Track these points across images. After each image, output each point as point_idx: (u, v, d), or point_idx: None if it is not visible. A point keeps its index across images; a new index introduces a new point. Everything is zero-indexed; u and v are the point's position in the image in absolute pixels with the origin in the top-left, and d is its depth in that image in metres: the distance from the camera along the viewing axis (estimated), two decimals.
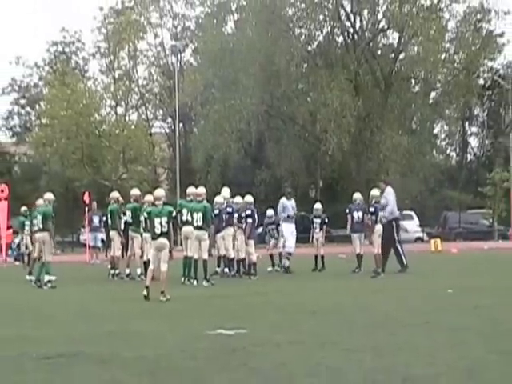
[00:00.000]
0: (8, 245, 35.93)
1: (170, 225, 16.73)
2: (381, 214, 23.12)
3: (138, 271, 21.87)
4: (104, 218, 27.25)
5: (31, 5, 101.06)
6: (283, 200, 25.22)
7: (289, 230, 24.95)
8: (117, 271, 23.28)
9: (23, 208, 30.16)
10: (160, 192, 17.53)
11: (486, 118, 67.31)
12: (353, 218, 23.94)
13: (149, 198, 21.56)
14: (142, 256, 21.76)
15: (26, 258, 30.54)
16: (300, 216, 31.83)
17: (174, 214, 20.56)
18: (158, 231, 16.60)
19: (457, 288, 16.91)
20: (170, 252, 16.74)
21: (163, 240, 16.56)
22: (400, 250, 23.73)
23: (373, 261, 22.56)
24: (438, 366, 8.27)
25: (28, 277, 22.71)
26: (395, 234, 23.71)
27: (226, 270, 23.12)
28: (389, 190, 24.17)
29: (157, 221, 16.59)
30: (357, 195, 24.47)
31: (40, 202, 22.19)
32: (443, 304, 14.55)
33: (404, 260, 23.63)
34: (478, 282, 19.77)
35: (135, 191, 23.27)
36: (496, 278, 21.40)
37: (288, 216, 25.02)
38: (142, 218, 21.47)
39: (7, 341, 10.82)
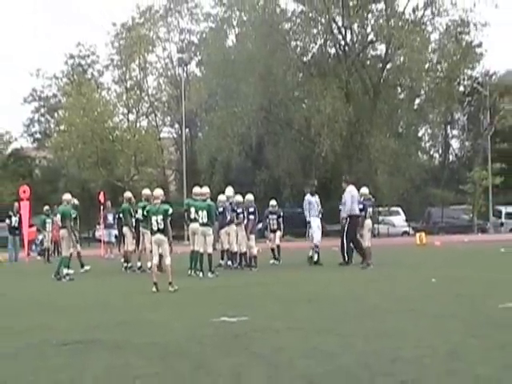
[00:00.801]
0: (30, 241, 35.91)
1: (167, 221, 16.73)
2: (369, 210, 23.13)
3: (149, 264, 21.88)
4: (117, 216, 27.18)
5: (49, 20, 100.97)
6: (308, 197, 24.83)
7: (316, 224, 24.71)
8: (129, 264, 23.32)
9: (46, 207, 30.18)
10: (158, 191, 17.49)
11: (466, 121, 67.36)
12: None
13: (146, 191, 22.22)
14: (151, 251, 21.80)
15: (47, 254, 30.56)
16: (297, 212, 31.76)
17: (183, 211, 20.75)
18: (154, 228, 16.65)
19: (440, 278, 16.90)
20: (170, 245, 16.83)
21: (160, 236, 16.60)
22: (352, 246, 23.50)
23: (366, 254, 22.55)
24: (423, 349, 8.28)
25: (82, 269, 23.11)
26: (351, 230, 23.32)
27: (229, 262, 23.16)
28: (349, 189, 23.97)
29: (154, 218, 16.63)
30: (364, 190, 24.07)
31: (66, 197, 22.18)
32: (427, 293, 14.55)
33: (350, 255, 23.42)
34: (459, 272, 19.77)
35: (146, 191, 23.26)
36: (476, 268, 21.39)
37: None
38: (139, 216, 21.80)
39: (29, 329, 10.83)
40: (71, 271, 21.30)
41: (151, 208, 17.15)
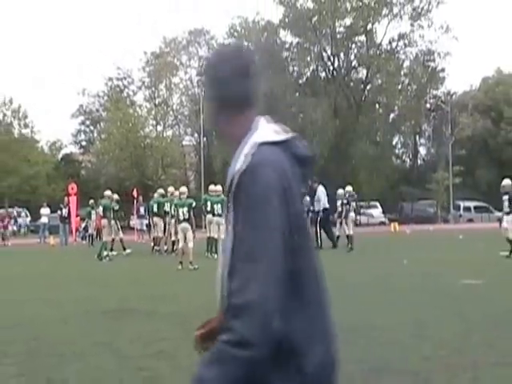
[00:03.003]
0: (77, 229, 35.92)
1: (191, 213, 16.84)
2: (353, 204, 23.00)
3: (165, 247, 21.98)
4: (148, 208, 27.09)
5: (93, 48, 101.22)
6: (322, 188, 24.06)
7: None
8: (158, 248, 23.24)
9: (90, 201, 30.16)
10: (183, 189, 17.67)
11: (431, 132, 67.17)
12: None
13: (170, 189, 22.15)
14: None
15: (91, 239, 30.56)
16: None
17: (201, 205, 20.80)
18: (181, 218, 16.77)
19: (410, 259, 16.88)
20: (193, 232, 16.92)
21: (186, 224, 16.72)
22: (325, 233, 23.32)
23: (349, 240, 22.50)
24: (395, 318, 8.27)
25: (124, 252, 22.81)
26: (324, 221, 23.21)
27: None
28: (321, 188, 23.85)
29: (180, 210, 16.78)
30: (340, 191, 23.84)
31: (107, 193, 22.24)
32: (400, 271, 14.54)
33: (320, 242, 22.97)
34: (426, 254, 19.74)
35: (170, 188, 23.16)
36: (439, 251, 21.35)
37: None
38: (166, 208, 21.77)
39: (76, 300, 10.85)
40: (114, 253, 21.54)
41: (178, 202, 17.23)
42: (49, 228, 35.97)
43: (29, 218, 45.94)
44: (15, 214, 42.79)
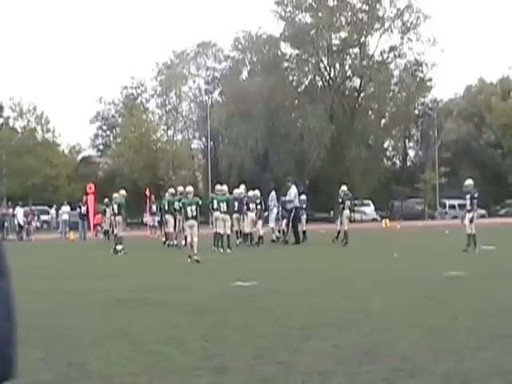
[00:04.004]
0: (96, 225, 35.93)
1: (198, 211, 16.82)
2: (347, 202, 22.87)
3: (183, 242, 21.90)
4: (160, 206, 27.07)
5: (110, 59, 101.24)
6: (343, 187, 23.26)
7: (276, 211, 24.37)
8: (170, 242, 23.20)
9: (105, 199, 30.19)
10: (190, 188, 17.59)
11: (419, 136, 67.20)
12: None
13: (180, 188, 21.99)
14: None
15: (107, 235, 30.59)
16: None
17: (208, 203, 20.79)
18: (189, 215, 16.74)
19: (400, 252, 16.89)
20: (198, 228, 16.92)
21: (193, 221, 16.70)
22: (296, 229, 23.24)
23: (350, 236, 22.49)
24: (387, 307, 8.27)
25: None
26: (295, 218, 23.22)
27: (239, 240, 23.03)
28: (293, 188, 23.83)
29: (188, 208, 16.73)
30: (343, 187, 23.01)
31: (115, 195, 22.17)
32: (390, 263, 14.55)
33: (298, 237, 23.15)
34: (414, 248, 19.78)
35: (180, 188, 23.18)
36: (427, 245, 21.39)
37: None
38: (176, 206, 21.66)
39: (94, 290, 10.87)
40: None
41: (186, 200, 17.20)
42: (69, 224, 36.06)
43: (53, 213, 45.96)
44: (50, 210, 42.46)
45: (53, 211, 35.24)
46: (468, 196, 17.96)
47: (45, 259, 20.25)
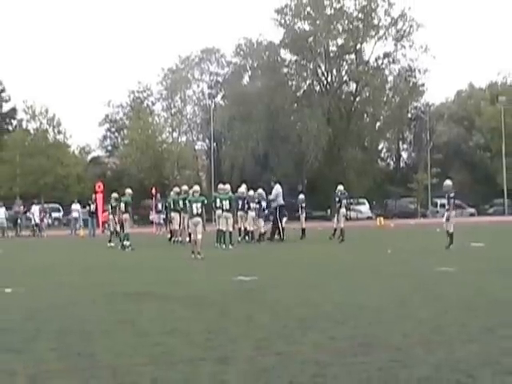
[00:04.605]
0: (104, 222, 35.85)
1: (203, 209, 16.79)
2: (344, 201, 22.84)
3: (187, 239, 21.89)
4: (165, 204, 27.00)
5: (118, 65, 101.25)
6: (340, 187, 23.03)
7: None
8: (175, 239, 23.14)
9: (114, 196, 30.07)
10: (196, 187, 17.56)
11: (412, 139, 67.22)
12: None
13: (184, 188, 22.29)
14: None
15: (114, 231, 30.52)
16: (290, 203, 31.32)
17: (211, 201, 20.78)
18: (194, 212, 16.68)
19: (393, 249, 16.88)
20: (203, 225, 16.86)
21: (198, 218, 16.63)
22: (280, 227, 22.98)
23: (346, 233, 22.41)
24: (381, 300, 8.27)
25: (108, 244, 22.58)
26: (279, 216, 22.96)
27: (246, 237, 23.00)
28: (276, 187, 23.74)
29: (194, 206, 16.69)
30: (340, 187, 22.93)
31: (128, 190, 21.98)
32: (384, 259, 14.54)
33: (282, 235, 22.83)
34: (407, 245, 19.76)
35: (185, 187, 23.15)
36: (419, 242, 21.38)
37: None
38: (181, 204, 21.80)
39: (103, 284, 10.87)
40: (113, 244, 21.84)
41: (192, 198, 17.18)
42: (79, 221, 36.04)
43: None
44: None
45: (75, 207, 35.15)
46: (447, 195, 17.98)
47: (56, 255, 20.24)
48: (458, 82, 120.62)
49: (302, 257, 16.62)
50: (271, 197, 23.59)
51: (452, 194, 17.78)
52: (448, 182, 18.20)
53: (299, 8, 55.99)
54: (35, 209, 34.48)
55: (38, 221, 34.14)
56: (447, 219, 17.51)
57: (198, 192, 17.21)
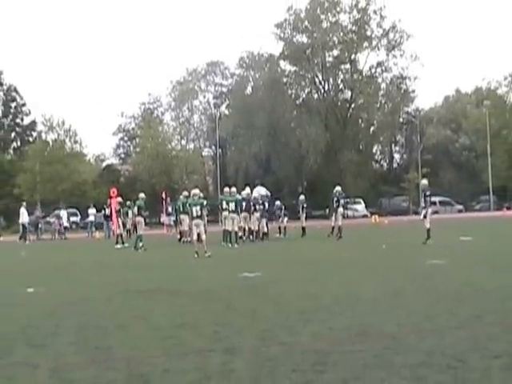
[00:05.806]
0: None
1: (203, 211, 16.75)
2: (341, 201, 22.76)
3: (189, 239, 21.93)
4: (175, 207, 26.98)
5: (130, 79, 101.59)
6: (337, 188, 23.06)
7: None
8: (185, 239, 23.10)
9: (128, 202, 30.13)
10: (196, 191, 17.47)
11: (404, 142, 67.22)
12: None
13: (185, 193, 22.48)
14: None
15: (129, 233, 30.53)
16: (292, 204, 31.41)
17: (218, 204, 20.75)
18: (194, 215, 16.61)
19: (388, 244, 16.87)
20: (205, 226, 16.90)
21: (198, 220, 16.56)
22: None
23: (344, 230, 22.39)
24: (376, 292, 8.25)
25: (116, 246, 22.69)
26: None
27: (250, 237, 22.98)
28: (257, 189, 23.82)
29: (193, 208, 16.62)
30: (337, 188, 22.96)
31: (142, 195, 21.94)
32: (379, 254, 14.52)
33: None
34: (400, 240, 19.71)
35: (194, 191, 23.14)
36: (411, 238, 21.29)
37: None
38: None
39: (117, 282, 10.89)
40: (119, 246, 22.05)
41: (191, 201, 17.15)
42: (95, 224, 36.09)
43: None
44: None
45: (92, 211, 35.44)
46: (423, 194, 17.86)
47: (74, 256, 20.27)
48: (446, 88, 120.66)
49: (303, 254, 16.61)
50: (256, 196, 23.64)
51: (428, 193, 17.61)
52: (424, 182, 18.08)
53: (297, 22, 56.09)
54: (63, 213, 34.94)
55: (66, 224, 34.80)
56: (424, 216, 17.39)
57: (197, 195, 17.16)
